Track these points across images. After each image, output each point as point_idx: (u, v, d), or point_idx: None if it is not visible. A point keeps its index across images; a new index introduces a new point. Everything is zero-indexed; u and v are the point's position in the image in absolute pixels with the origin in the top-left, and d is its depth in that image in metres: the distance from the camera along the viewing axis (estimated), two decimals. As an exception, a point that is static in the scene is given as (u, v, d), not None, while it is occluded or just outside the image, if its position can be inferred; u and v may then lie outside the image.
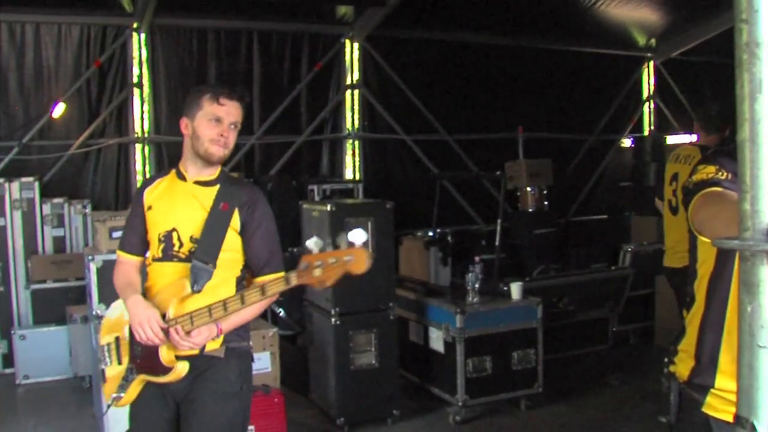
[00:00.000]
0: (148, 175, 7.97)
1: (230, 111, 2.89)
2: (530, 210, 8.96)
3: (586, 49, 10.45)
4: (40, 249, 7.07)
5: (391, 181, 9.44)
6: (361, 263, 2.41)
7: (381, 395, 5.44)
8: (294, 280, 2.55)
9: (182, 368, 2.79)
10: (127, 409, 2.98)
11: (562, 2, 9.17)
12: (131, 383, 2.89)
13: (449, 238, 6.82)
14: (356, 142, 9.44)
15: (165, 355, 2.78)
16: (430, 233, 6.97)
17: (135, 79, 8.11)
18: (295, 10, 8.59)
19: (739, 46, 1.34)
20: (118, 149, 8.12)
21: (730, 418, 1.99)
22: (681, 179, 4.90)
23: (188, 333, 2.71)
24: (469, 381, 5.44)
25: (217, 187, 2.95)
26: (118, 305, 3.03)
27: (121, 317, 2.96)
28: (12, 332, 6.59)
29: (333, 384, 5.37)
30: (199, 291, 2.80)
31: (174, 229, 2.90)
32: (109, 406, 2.97)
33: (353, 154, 9.47)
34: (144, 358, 2.84)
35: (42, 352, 6.53)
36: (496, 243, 6.76)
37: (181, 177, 2.99)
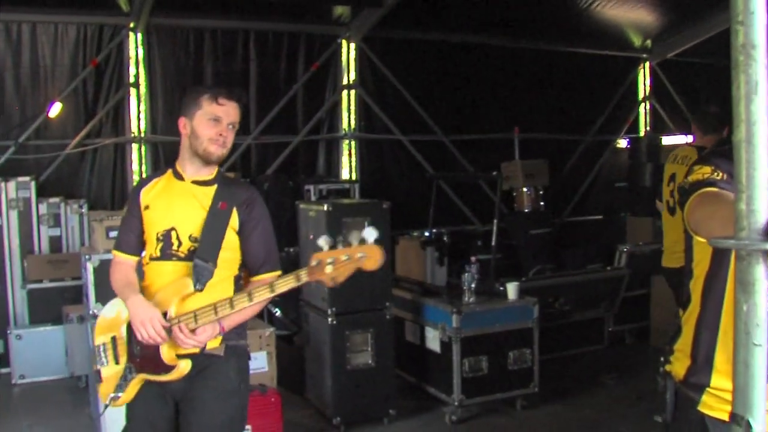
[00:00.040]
0: (144, 175, 7.97)
1: (229, 111, 2.93)
2: (526, 210, 8.99)
3: (582, 50, 10.47)
4: (36, 248, 7.06)
5: (387, 181, 9.46)
6: (374, 260, 2.49)
7: (377, 395, 5.45)
8: (305, 276, 2.58)
9: (185, 366, 2.81)
10: (123, 409, 2.99)
11: (559, 3, 9.19)
12: (130, 383, 2.90)
13: (445, 239, 6.83)
14: (352, 143, 9.45)
15: (166, 353, 2.80)
16: (427, 233, 6.98)
17: (132, 79, 8.11)
18: (292, 11, 8.59)
19: (736, 47, 1.35)
20: (115, 149, 8.11)
21: (725, 417, 2.00)
22: (678, 180, 4.92)
23: (192, 331, 2.73)
24: (465, 381, 5.45)
25: (215, 186, 2.98)
26: (113, 305, 3.03)
27: (118, 317, 2.96)
28: (8, 332, 6.58)
29: (329, 384, 5.37)
30: (201, 290, 2.82)
31: (173, 228, 2.91)
32: (106, 406, 2.97)
33: (349, 155, 9.48)
34: (144, 357, 2.85)
35: (38, 351, 6.53)
36: (492, 243, 6.77)
37: (179, 176, 3.00)
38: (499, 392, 5.62)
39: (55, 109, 7.65)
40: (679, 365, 2.23)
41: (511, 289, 5.71)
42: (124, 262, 3.03)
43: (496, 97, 9.97)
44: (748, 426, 1.38)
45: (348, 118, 9.41)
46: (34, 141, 7.65)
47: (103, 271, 4.58)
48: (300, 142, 9.01)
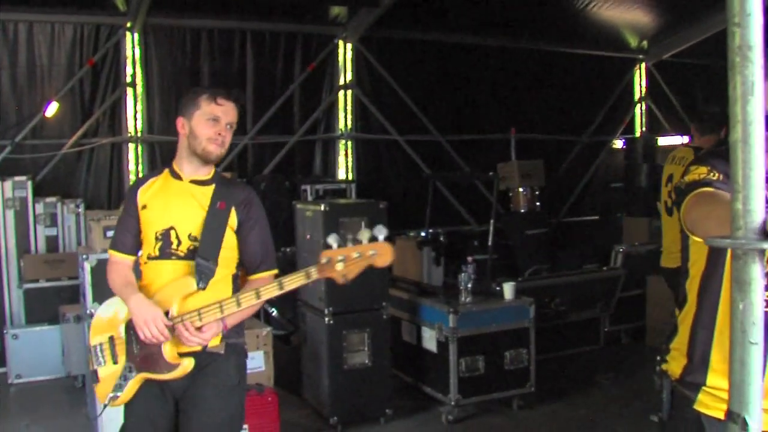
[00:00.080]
0: (141, 175, 7.97)
1: (227, 111, 2.96)
2: (522, 210, 9.00)
3: (578, 51, 10.49)
4: (32, 248, 7.05)
5: (383, 181, 9.46)
6: (386, 257, 2.60)
7: (374, 394, 5.46)
8: (315, 274, 2.63)
9: (188, 364, 2.83)
10: (121, 408, 2.99)
11: (555, 4, 9.20)
12: (129, 382, 2.90)
13: (442, 239, 6.84)
14: (349, 143, 9.45)
15: (169, 352, 2.82)
16: (423, 233, 6.98)
17: (128, 79, 8.09)
18: (289, 11, 8.59)
19: (732, 49, 1.36)
20: (111, 149, 8.09)
21: (721, 415, 2.03)
22: (675, 180, 4.94)
23: (198, 329, 2.76)
24: (462, 380, 5.47)
25: (213, 186, 3.01)
26: (109, 304, 3.03)
27: (116, 316, 2.97)
28: (4, 331, 6.58)
29: (326, 383, 5.38)
30: (204, 288, 2.85)
31: (171, 228, 2.92)
32: (105, 407, 2.97)
33: (346, 155, 9.48)
34: (145, 356, 2.86)
35: (34, 351, 6.52)
36: (489, 243, 6.79)
37: (176, 176, 3.02)
38: (496, 392, 5.63)
39: (52, 109, 7.64)
40: (675, 364, 2.24)
41: (508, 289, 5.73)
42: (120, 262, 3.03)
43: (492, 98, 9.98)
44: (744, 423, 1.39)
45: (345, 118, 9.40)
46: (30, 140, 7.63)
47: (101, 270, 4.58)
48: (296, 142, 9.02)
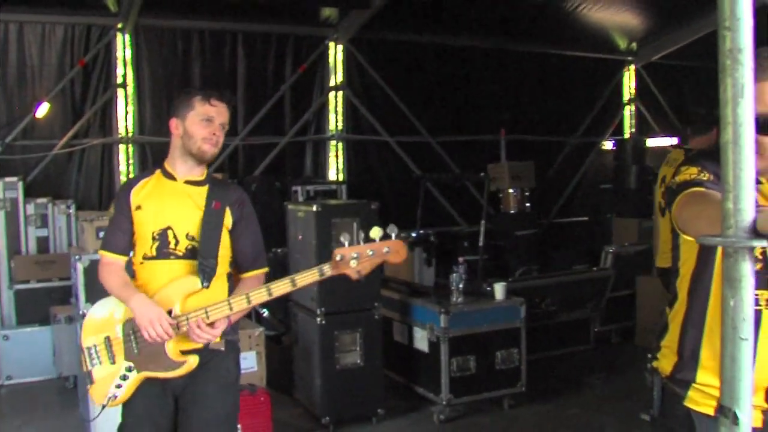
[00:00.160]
0: (132, 176, 7.96)
1: (220, 111, 3.01)
2: (512, 211, 9.03)
3: (568, 53, 10.54)
4: (23, 249, 7.03)
5: (374, 182, 9.48)
6: (400, 254, 2.67)
7: (366, 394, 5.47)
8: (328, 271, 2.70)
9: (193, 361, 2.87)
10: (117, 409, 2.99)
11: (545, 6, 9.25)
12: (128, 382, 2.91)
13: (433, 239, 6.86)
14: (340, 144, 9.47)
15: (173, 350, 2.85)
16: (414, 234, 7.00)
17: (119, 80, 8.10)
18: (280, 12, 8.60)
19: (723, 52, 1.39)
20: (102, 149, 8.10)
21: (710, 412, 2.06)
22: (667, 181, 4.99)
23: (209, 325, 2.80)
24: (453, 380, 5.49)
25: (207, 186, 3.04)
26: (102, 305, 3.03)
27: (111, 317, 2.97)
28: (-5, 332, 6.57)
29: (318, 383, 5.39)
30: (208, 286, 2.89)
31: (169, 228, 2.95)
32: (104, 407, 2.96)
33: (337, 156, 9.50)
34: (147, 355, 2.87)
35: (25, 352, 6.50)
36: (480, 244, 6.81)
37: (170, 177, 3.04)
38: (487, 392, 5.65)
39: (43, 110, 7.64)
40: (665, 362, 2.27)
41: (499, 289, 5.75)
42: (114, 263, 3.03)
43: (482, 99, 10.01)
44: (735, 417, 1.42)
45: (335, 120, 9.43)
46: (21, 141, 7.63)
47: (93, 271, 4.57)
48: (287, 143, 9.03)
